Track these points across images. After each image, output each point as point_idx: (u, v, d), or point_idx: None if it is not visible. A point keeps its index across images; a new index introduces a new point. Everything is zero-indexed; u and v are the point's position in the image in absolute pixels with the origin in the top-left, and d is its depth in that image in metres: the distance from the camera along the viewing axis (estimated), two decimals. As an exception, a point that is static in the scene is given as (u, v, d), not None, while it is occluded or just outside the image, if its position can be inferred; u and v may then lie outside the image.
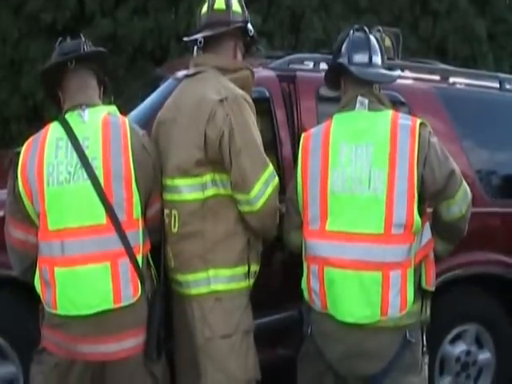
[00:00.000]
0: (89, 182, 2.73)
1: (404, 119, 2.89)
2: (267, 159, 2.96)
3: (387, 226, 2.75)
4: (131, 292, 2.78)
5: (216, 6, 3.09)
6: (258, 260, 3.07)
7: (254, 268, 3.04)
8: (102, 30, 7.28)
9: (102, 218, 2.74)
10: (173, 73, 3.82)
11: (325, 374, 2.95)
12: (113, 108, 2.93)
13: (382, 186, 2.77)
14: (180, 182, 2.95)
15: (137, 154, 2.80)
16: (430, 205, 2.94)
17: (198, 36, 3.08)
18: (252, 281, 3.04)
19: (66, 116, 2.86)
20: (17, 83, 7.35)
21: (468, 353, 4.09)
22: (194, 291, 2.97)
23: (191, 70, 3.12)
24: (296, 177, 2.94)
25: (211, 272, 2.94)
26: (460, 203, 2.88)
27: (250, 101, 3.01)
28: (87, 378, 2.83)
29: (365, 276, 2.77)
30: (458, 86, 4.33)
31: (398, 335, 2.83)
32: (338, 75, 3.06)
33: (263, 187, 2.90)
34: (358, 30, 3.04)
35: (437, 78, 4.34)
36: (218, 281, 2.95)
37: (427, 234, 2.91)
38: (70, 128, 2.80)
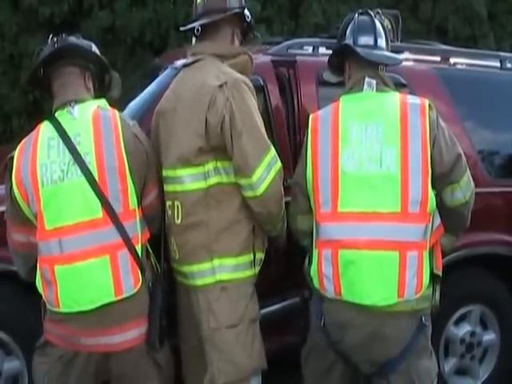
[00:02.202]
0: (83, 178, 2.73)
1: (412, 99, 2.91)
2: (269, 143, 2.95)
3: (403, 203, 2.75)
4: (132, 283, 2.78)
5: None
6: (264, 248, 3.06)
7: (260, 256, 3.03)
8: (101, 21, 7.26)
9: (98, 212, 2.74)
10: (171, 62, 3.82)
11: (333, 366, 2.93)
12: (102, 101, 2.91)
13: (395, 163, 2.77)
14: (182, 172, 2.94)
15: (129, 145, 2.80)
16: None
17: (195, 24, 3.07)
18: (258, 269, 3.03)
19: (56, 114, 2.85)
20: (16, 78, 7.34)
21: (473, 334, 4.10)
22: (199, 282, 2.97)
23: (189, 59, 3.11)
24: (305, 159, 2.91)
25: (216, 262, 2.94)
26: (464, 189, 2.88)
27: (250, 84, 3.01)
28: (91, 368, 2.84)
29: (382, 256, 2.75)
30: (459, 66, 4.33)
31: (415, 319, 2.83)
32: (342, 58, 3.06)
33: (265, 171, 2.89)
34: (362, 13, 3.05)
35: (437, 58, 4.33)
36: (222, 270, 2.94)
37: (437, 218, 2.91)
38: (61, 126, 2.80)
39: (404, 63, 4.01)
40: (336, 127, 2.87)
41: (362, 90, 2.92)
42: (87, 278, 2.74)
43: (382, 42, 3.02)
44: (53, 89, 2.91)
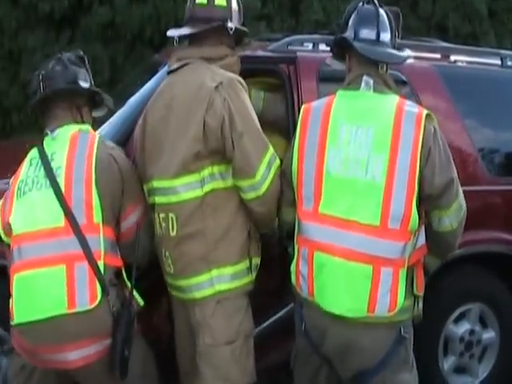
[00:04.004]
0: (50, 189, 2.78)
1: (410, 107, 2.74)
2: (267, 141, 2.92)
3: (384, 217, 2.63)
4: (87, 298, 2.71)
5: (198, 0, 3.04)
6: (259, 252, 3.02)
7: (256, 261, 2.99)
8: (101, 17, 7.23)
9: (61, 221, 2.75)
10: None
11: (318, 370, 2.89)
12: (85, 127, 2.99)
13: (381, 172, 2.64)
14: (176, 181, 2.88)
15: (101, 162, 2.83)
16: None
17: (178, 34, 3.05)
18: (254, 274, 2.99)
19: (44, 141, 2.96)
20: (16, 74, 7.33)
21: (472, 332, 4.09)
22: (197, 295, 2.92)
23: (174, 65, 3.05)
24: (292, 150, 2.83)
25: (214, 272, 2.89)
26: (452, 217, 2.73)
27: (244, 83, 2.97)
28: (52, 377, 2.85)
29: (354, 268, 2.65)
30: (459, 63, 4.30)
31: (393, 331, 2.74)
32: (343, 50, 2.92)
33: (266, 170, 2.86)
34: (367, 2, 2.85)
35: (438, 56, 4.32)
36: (221, 280, 2.90)
37: (422, 238, 2.80)
38: (42, 147, 2.91)
39: (404, 60, 4.05)
40: (326, 123, 2.75)
41: (359, 87, 2.78)
42: (41, 287, 2.71)
43: (385, 37, 2.83)
44: (44, 119, 3.02)
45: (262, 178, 2.85)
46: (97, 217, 2.78)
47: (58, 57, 3.03)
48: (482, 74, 4.30)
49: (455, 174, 2.74)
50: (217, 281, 2.89)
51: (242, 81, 2.96)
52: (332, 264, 2.68)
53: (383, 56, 2.83)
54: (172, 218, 2.90)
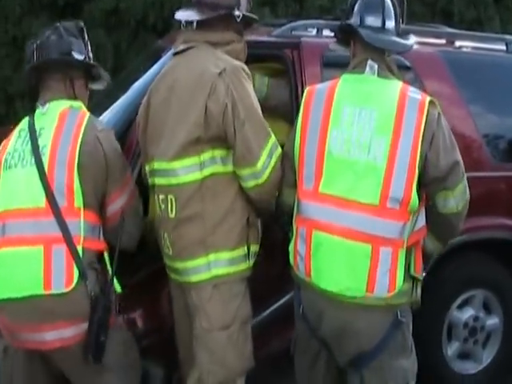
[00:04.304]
0: (34, 168, 2.78)
1: (413, 93, 2.76)
2: (269, 129, 2.91)
3: (383, 197, 2.64)
4: (63, 281, 2.72)
5: None
6: (258, 240, 3.02)
7: (254, 248, 2.99)
8: (104, 4, 7.21)
9: (42, 202, 2.75)
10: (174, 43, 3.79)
11: (318, 355, 2.90)
12: (77, 103, 2.96)
13: (382, 154, 2.66)
14: (176, 164, 2.87)
15: (85, 145, 2.81)
16: (427, 195, 2.81)
17: (186, 18, 3.02)
18: (252, 262, 2.98)
19: (36, 111, 2.95)
20: (19, 60, 7.30)
21: (476, 318, 4.09)
22: (193, 278, 2.92)
23: (180, 47, 3.04)
24: (295, 131, 2.83)
25: (211, 256, 2.89)
26: (458, 198, 2.75)
27: (248, 70, 2.96)
28: (36, 365, 2.87)
29: (353, 246, 2.66)
30: (464, 49, 4.29)
31: (390, 315, 2.73)
32: (348, 35, 2.93)
33: (268, 158, 2.86)
34: None
35: (442, 41, 4.29)
36: (218, 265, 2.90)
37: (422, 219, 2.80)
38: (33, 120, 2.89)
39: (409, 46, 4.03)
40: (329, 105, 2.77)
41: (363, 71, 2.80)
42: (19, 265, 2.73)
43: (390, 24, 2.85)
44: (37, 90, 3.00)
45: (263, 167, 2.85)
46: (78, 201, 2.78)
47: (56, 26, 3.00)
48: (486, 60, 4.29)
49: (460, 157, 2.76)
50: (214, 265, 2.89)
51: (246, 68, 2.95)
52: (330, 243, 2.69)
53: (388, 44, 2.85)
54: (171, 199, 2.91)
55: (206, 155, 2.86)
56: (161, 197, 2.95)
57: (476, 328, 4.10)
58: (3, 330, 2.85)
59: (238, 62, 2.94)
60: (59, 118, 2.86)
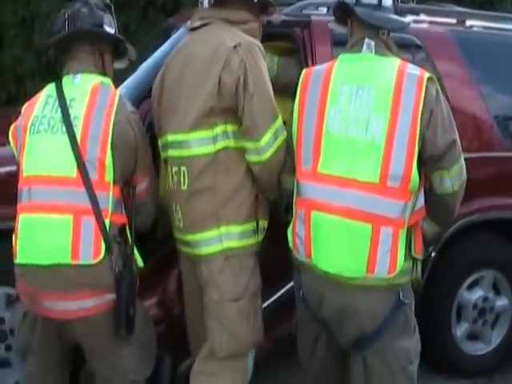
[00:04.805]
0: (66, 137, 2.79)
1: (412, 69, 2.73)
2: (278, 111, 2.92)
3: (383, 175, 2.61)
4: (91, 252, 2.75)
5: None
6: (267, 216, 3.04)
7: (263, 224, 3.01)
8: (114, -17, 7.18)
9: (73, 172, 2.77)
10: (185, 22, 3.77)
11: (318, 338, 2.90)
12: (107, 80, 2.98)
13: (381, 131, 2.62)
14: (190, 136, 2.90)
15: (119, 124, 2.83)
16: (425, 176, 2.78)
17: None
18: (261, 237, 3.01)
19: (62, 79, 2.95)
20: (29, 40, 7.31)
21: (485, 299, 4.09)
22: (204, 251, 2.94)
23: (196, 23, 3.06)
24: (292, 113, 2.82)
25: (223, 229, 2.91)
26: (453, 178, 2.71)
27: (262, 49, 2.97)
28: (52, 333, 2.89)
29: (353, 226, 2.63)
30: (475, 28, 4.25)
31: (392, 295, 2.71)
32: (345, 14, 2.90)
33: (272, 138, 2.87)
34: None
35: (453, 21, 4.26)
36: (230, 238, 2.92)
37: (421, 200, 2.77)
38: (61, 88, 2.89)
39: (419, 25, 4.01)
40: (326, 85, 2.74)
41: (360, 50, 2.78)
42: (47, 233, 2.75)
43: (387, 2, 2.80)
44: (64, 59, 2.99)
45: (267, 145, 2.86)
46: (108, 176, 2.80)
47: (85, 0, 2.99)
48: (498, 40, 4.25)
49: (457, 137, 2.72)
50: (225, 238, 2.92)
51: (261, 46, 2.96)
52: (329, 223, 2.66)
53: (384, 21, 2.81)
54: (184, 171, 2.93)
55: (219, 129, 2.88)
56: (174, 169, 2.98)
57: (485, 309, 4.10)
58: (23, 296, 2.88)
59: (253, 39, 2.95)
60: (91, 93, 2.87)
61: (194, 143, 2.90)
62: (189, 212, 2.95)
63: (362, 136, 2.65)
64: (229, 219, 2.91)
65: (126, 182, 2.93)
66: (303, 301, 2.86)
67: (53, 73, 3.05)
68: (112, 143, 2.80)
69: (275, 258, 3.13)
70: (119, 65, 3.11)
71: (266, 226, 3.03)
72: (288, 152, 2.88)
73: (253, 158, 2.90)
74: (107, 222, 2.78)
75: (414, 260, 2.75)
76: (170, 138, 2.98)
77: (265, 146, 2.86)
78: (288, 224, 2.86)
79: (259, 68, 2.89)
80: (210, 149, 2.89)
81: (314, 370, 3.02)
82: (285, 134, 2.90)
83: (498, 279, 4.12)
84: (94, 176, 2.77)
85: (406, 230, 2.66)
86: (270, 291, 3.44)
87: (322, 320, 2.82)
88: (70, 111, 2.82)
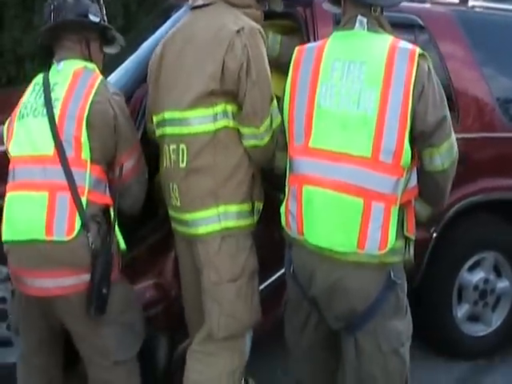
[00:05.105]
0: (46, 118, 2.86)
1: (404, 44, 2.71)
2: (273, 94, 2.92)
3: (375, 149, 2.59)
4: (65, 229, 2.77)
5: None
6: (262, 197, 3.03)
7: (258, 205, 3.01)
8: (114, -36, 7.14)
9: (50, 150, 2.83)
10: (186, 1, 3.74)
11: (308, 318, 2.89)
12: (91, 65, 3.04)
13: (372, 105, 2.60)
14: (190, 113, 2.89)
15: (97, 103, 2.87)
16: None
17: None
18: (256, 218, 3.01)
19: (51, 68, 3.03)
20: (29, 21, 7.28)
21: (486, 281, 4.10)
22: (201, 230, 2.93)
23: (199, 2, 3.04)
24: (284, 90, 2.81)
25: (221, 208, 2.91)
26: (443, 156, 2.69)
27: (264, 33, 2.96)
28: (36, 311, 2.94)
29: (344, 200, 2.61)
30: (478, 9, 4.22)
31: (383, 274, 2.68)
32: None
33: (270, 123, 2.88)
34: None
35: (455, 1, 4.23)
36: (228, 217, 2.92)
37: (414, 178, 2.75)
38: (47, 76, 2.99)
39: (421, 4, 3.98)
40: (319, 61, 2.73)
41: (353, 27, 2.76)
42: (24, 209, 2.82)
43: None
44: (54, 48, 3.06)
45: (266, 131, 2.88)
46: (85, 153, 2.84)
47: None
48: (500, 20, 4.23)
49: (448, 114, 2.70)
50: (223, 217, 2.91)
51: (262, 31, 2.96)
52: (321, 197, 2.65)
53: None
54: (183, 149, 2.92)
55: (219, 108, 2.87)
56: (172, 147, 2.95)
57: (486, 290, 4.10)
58: (10, 273, 2.95)
59: (255, 24, 2.94)
60: (73, 76, 2.93)
61: (195, 121, 2.88)
62: (187, 190, 2.94)
63: (354, 110, 2.63)
64: (227, 198, 2.91)
65: (110, 164, 2.95)
66: (293, 278, 2.85)
67: (53, 55, 3.06)
68: (87, 121, 2.84)
69: (273, 240, 3.12)
70: (110, 50, 3.17)
71: (261, 207, 3.02)
72: (280, 129, 2.88)
73: (250, 142, 2.90)
74: (84, 199, 2.80)
75: (407, 240, 2.74)
76: (167, 115, 2.96)
77: (264, 133, 2.87)
78: (281, 203, 2.85)
79: (261, 54, 2.89)
80: (210, 127, 2.88)
81: (298, 351, 3.01)
82: (279, 117, 2.89)
83: (499, 261, 4.12)
84: (70, 153, 2.82)
85: (398, 207, 2.65)
86: (269, 273, 3.43)
87: (312, 299, 2.81)
88: (52, 94, 2.90)
